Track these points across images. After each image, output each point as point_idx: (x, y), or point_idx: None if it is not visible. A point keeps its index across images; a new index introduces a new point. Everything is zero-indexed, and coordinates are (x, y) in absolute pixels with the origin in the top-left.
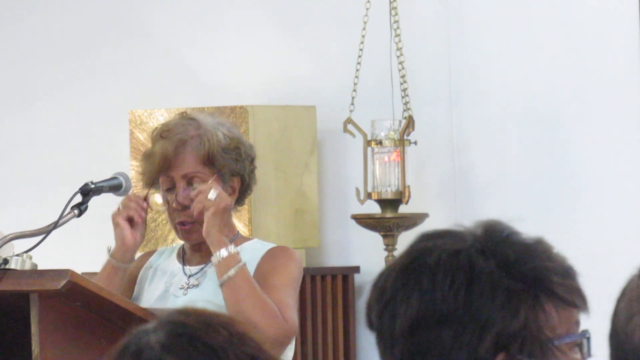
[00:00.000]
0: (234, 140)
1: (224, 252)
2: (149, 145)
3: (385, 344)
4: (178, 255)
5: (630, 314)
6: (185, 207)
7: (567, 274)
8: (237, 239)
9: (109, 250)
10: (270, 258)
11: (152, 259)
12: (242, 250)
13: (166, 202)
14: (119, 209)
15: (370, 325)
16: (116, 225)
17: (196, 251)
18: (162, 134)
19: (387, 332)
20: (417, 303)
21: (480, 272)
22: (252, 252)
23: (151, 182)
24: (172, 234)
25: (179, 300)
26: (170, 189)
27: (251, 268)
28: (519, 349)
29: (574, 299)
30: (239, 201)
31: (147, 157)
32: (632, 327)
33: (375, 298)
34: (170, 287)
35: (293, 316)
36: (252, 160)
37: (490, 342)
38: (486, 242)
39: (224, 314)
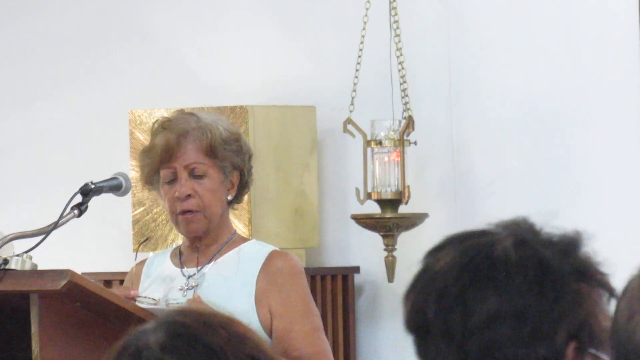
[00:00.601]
0: (234, 134)
1: None
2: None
3: (453, 341)
4: (173, 257)
5: (632, 313)
6: (188, 196)
7: (600, 264)
8: (234, 238)
9: None
10: (273, 275)
11: (144, 269)
12: (240, 252)
13: (166, 194)
14: None
15: (419, 326)
16: None
17: (194, 250)
18: (164, 124)
19: (459, 329)
20: (494, 298)
21: (548, 263)
22: (252, 254)
23: (151, 175)
24: (173, 234)
25: (178, 304)
26: (172, 181)
27: (253, 271)
28: (588, 338)
29: (611, 288)
30: (237, 199)
31: (148, 150)
32: (633, 326)
33: (431, 299)
34: (170, 292)
35: (329, 356)
36: (250, 157)
37: (564, 332)
38: (537, 235)
39: (222, 313)
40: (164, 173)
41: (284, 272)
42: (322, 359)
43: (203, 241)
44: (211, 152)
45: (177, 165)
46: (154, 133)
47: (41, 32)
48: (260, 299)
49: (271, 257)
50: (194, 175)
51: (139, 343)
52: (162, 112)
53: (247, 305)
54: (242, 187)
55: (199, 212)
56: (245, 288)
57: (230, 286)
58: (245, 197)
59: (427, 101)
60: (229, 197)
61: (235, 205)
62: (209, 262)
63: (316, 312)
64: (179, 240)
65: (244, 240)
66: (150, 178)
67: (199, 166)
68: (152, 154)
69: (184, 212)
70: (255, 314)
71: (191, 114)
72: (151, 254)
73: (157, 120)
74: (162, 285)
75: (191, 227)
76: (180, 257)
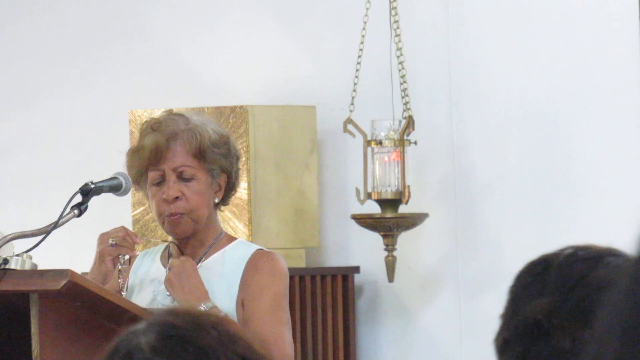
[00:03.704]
0: (223, 137)
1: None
2: None
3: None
4: (163, 258)
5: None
6: (175, 199)
7: None
8: (221, 239)
9: None
10: (253, 272)
11: (134, 266)
12: (225, 254)
13: (154, 196)
14: (111, 244)
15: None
16: (106, 264)
17: (181, 253)
18: (153, 126)
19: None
20: None
21: None
22: (236, 256)
23: (139, 176)
24: None
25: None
26: (160, 182)
27: (236, 273)
28: None
29: None
30: (224, 201)
31: (136, 151)
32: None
33: None
34: (158, 295)
35: (287, 348)
36: (238, 159)
37: None
38: None
39: (213, 313)
40: (152, 175)
41: (263, 271)
42: (278, 346)
43: (190, 243)
44: (200, 155)
45: (166, 167)
46: (143, 134)
47: (41, 32)
48: (237, 297)
49: (254, 257)
50: (182, 177)
51: (130, 345)
52: (162, 112)
53: (231, 307)
54: (230, 189)
55: (185, 214)
56: (229, 291)
57: (214, 289)
58: (245, 197)
59: (427, 101)
60: (216, 200)
61: (235, 206)
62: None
63: (285, 309)
64: None
65: (231, 240)
66: (137, 178)
67: (187, 169)
68: (140, 155)
69: (171, 214)
70: (235, 315)
71: (180, 115)
72: (139, 253)
73: (146, 121)
74: (150, 287)
75: (177, 229)
76: (168, 259)
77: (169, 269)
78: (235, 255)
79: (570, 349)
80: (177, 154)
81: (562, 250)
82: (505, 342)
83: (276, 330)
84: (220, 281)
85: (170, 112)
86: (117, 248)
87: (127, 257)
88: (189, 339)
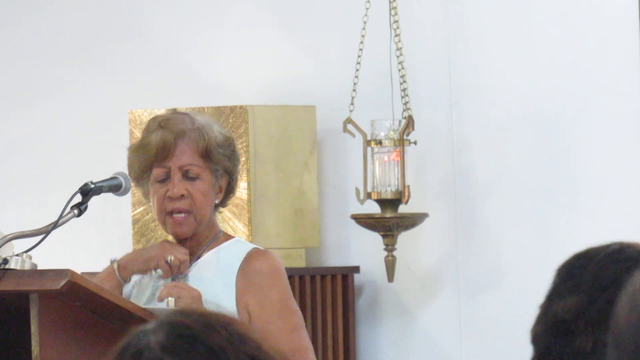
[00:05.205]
0: (228, 138)
1: None
2: None
3: None
4: None
5: (632, 306)
6: (180, 197)
7: None
8: (218, 237)
9: (115, 261)
10: (253, 274)
11: None
12: (219, 252)
13: (156, 193)
14: (166, 261)
15: None
16: (148, 264)
17: None
18: (161, 123)
19: None
20: None
21: None
22: (231, 254)
23: (142, 172)
24: None
25: (163, 303)
26: (163, 180)
27: (231, 271)
28: None
29: None
30: (223, 203)
31: (140, 147)
32: (635, 319)
33: None
34: (157, 290)
35: (309, 355)
36: (239, 162)
37: None
38: None
39: (223, 313)
40: (157, 172)
41: (262, 272)
42: (301, 356)
43: (188, 243)
44: (206, 154)
45: (172, 165)
46: (149, 130)
47: (41, 33)
48: (239, 300)
49: (250, 256)
50: (187, 176)
51: (139, 343)
52: (162, 112)
53: (229, 305)
54: (229, 192)
55: (189, 213)
56: (226, 288)
57: (211, 287)
58: (245, 197)
59: (427, 101)
60: (216, 201)
61: (235, 206)
62: (192, 263)
63: (296, 310)
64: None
65: (227, 238)
66: (140, 175)
67: (193, 168)
68: (146, 151)
69: (174, 212)
70: (237, 315)
71: (185, 114)
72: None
73: (153, 118)
74: (150, 284)
75: (180, 230)
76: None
77: (176, 298)
78: (231, 253)
79: (591, 351)
80: (184, 152)
81: (608, 245)
82: (536, 335)
83: (292, 339)
84: (216, 278)
85: (175, 111)
86: (165, 267)
87: (155, 275)
88: (199, 339)
